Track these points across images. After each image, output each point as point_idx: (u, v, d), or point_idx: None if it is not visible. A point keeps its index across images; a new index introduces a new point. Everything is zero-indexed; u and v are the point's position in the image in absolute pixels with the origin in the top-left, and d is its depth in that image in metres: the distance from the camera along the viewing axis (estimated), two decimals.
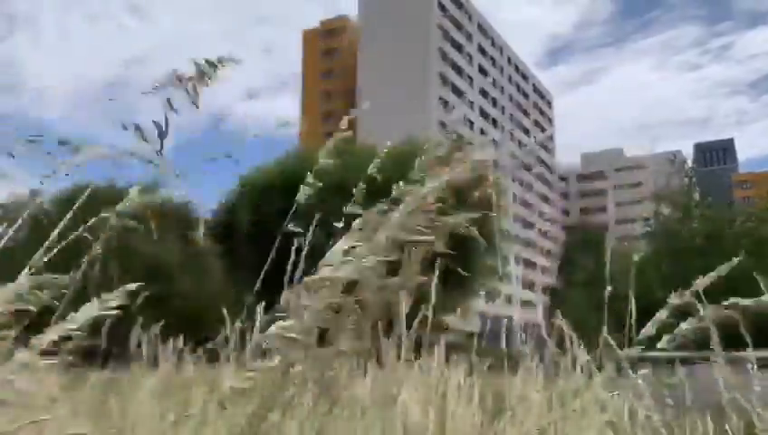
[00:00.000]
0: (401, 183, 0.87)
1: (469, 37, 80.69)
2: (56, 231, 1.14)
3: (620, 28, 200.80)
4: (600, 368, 1.84)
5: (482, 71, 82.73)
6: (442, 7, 75.77)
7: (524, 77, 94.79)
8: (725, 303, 1.55)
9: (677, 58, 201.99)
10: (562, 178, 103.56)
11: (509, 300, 70.26)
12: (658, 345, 1.55)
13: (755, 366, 2.01)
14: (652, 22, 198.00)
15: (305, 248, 1.69)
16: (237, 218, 29.92)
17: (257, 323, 1.85)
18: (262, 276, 1.64)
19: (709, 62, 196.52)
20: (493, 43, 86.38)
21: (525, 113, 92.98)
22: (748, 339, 1.75)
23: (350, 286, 0.65)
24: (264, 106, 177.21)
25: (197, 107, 0.89)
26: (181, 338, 3.04)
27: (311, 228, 1.71)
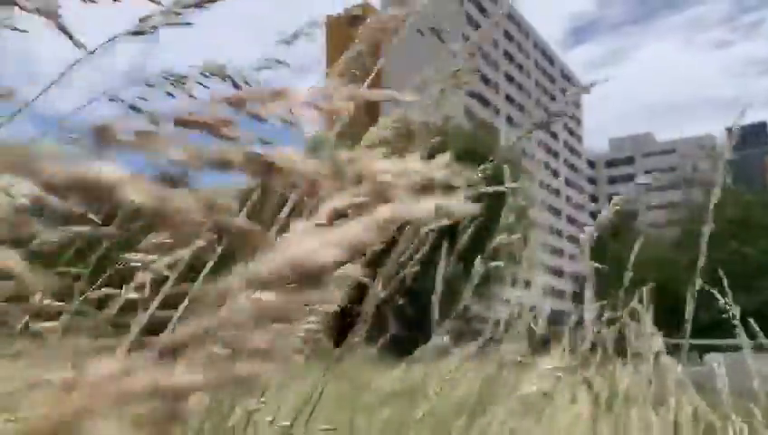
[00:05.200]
0: None
1: (495, 22, 79.54)
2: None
3: (646, 4, 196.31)
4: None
5: (507, 56, 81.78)
6: None
7: (551, 62, 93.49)
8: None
9: (706, 35, 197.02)
10: (590, 164, 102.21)
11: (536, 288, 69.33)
12: None
13: None
14: None
15: None
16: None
17: None
18: None
19: (739, 40, 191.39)
20: (519, 28, 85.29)
21: (552, 98, 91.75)
22: None
23: None
24: None
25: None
26: None
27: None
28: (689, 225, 30.91)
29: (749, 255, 24.15)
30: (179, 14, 0.79)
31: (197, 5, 0.80)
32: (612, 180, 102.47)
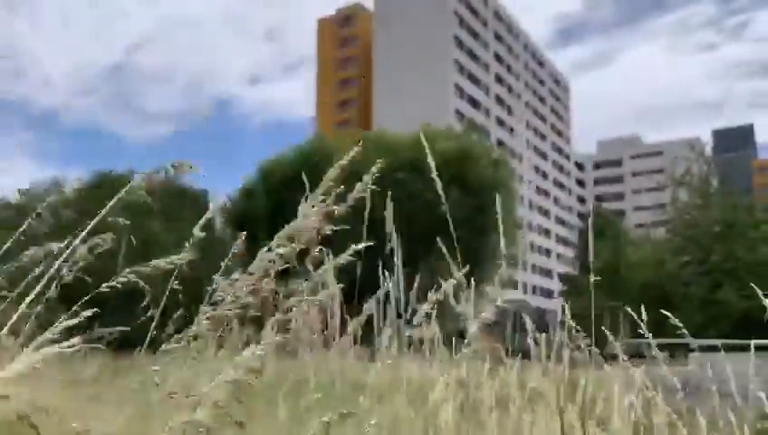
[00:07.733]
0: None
1: (485, 23, 79.89)
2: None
3: (633, 6, 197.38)
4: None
5: (498, 57, 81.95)
6: None
7: (540, 63, 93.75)
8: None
9: (692, 38, 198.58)
10: (578, 165, 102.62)
11: (525, 287, 70.10)
12: None
13: None
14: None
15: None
16: (256, 205, 30.28)
17: None
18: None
19: (724, 42, 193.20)
20: (509, 29, 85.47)
21: (541, 100, 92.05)
22: None
23: None
24: (269, 91, 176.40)
25: None
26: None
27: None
28: (678, 227, 31.08)
29: (738, 255, 24.38)
30: None
31: None
32: (600, 182, 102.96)
